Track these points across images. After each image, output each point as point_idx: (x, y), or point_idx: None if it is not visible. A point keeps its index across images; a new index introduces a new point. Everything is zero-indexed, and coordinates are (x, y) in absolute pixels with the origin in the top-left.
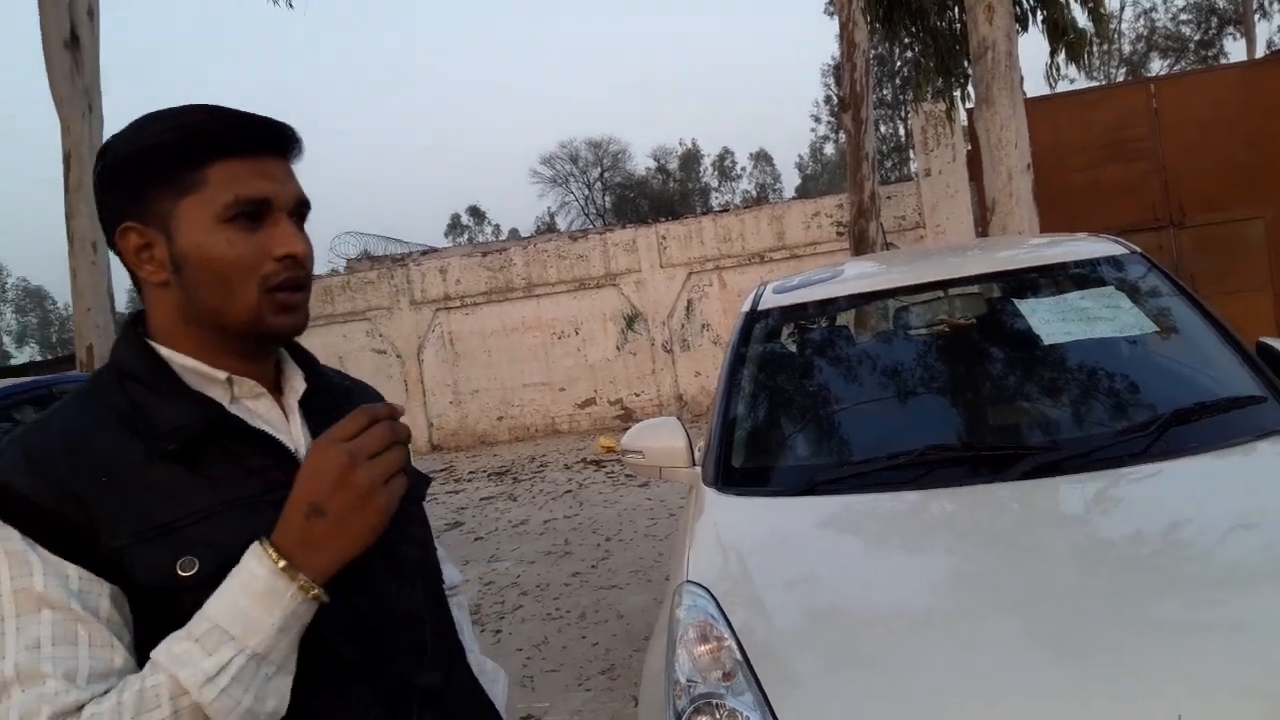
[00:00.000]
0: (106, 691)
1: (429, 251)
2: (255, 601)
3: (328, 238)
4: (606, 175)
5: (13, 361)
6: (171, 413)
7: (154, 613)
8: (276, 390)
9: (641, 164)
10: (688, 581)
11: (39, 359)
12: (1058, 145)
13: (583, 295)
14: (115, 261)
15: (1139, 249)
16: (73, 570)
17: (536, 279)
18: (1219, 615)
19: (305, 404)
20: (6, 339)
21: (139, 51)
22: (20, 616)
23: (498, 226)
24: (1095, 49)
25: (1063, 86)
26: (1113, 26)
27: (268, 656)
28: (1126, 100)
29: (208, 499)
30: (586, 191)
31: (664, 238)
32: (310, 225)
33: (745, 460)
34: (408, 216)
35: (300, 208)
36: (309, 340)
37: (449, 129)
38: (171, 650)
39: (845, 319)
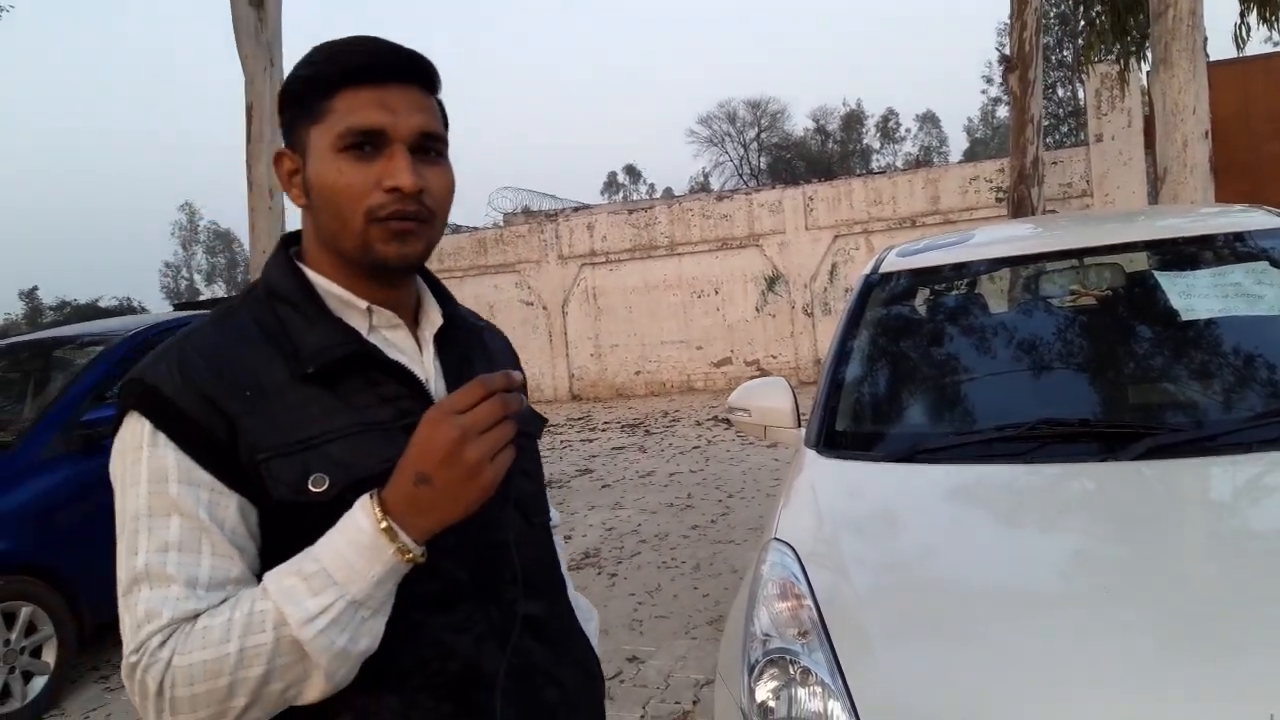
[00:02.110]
0: (223, 601)
1: (580, 208)
2: (358, 553)
3: (488, 192)
4: (763, 136)
5: (201, 297)
6: (315, 337)
7: (283, 526)
8: (414, 322)
9: (800, 124)
10: (775, 539)
11: (225, 296)
12: (1247, 112)
13: (724, 255)
14: (289, 207)
15: None
16: (205, 479)
17: (680, 238)
18: None
19: (439, 338)
20: (198, 277)
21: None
22: (153, 517)
23: (652, 185)
24: None
25: (1265, 49)
26: None
27: (365, 603)
28: None
29: (343, 421)
30: (742, 152)
31: (811, 199)
32: (472, 181)
33: (848, 424)
34: (568, 174)
35: (426, 140)
36: (462, 289)
37: (611, 88)
38: (281, 583)
39: (969, 286)
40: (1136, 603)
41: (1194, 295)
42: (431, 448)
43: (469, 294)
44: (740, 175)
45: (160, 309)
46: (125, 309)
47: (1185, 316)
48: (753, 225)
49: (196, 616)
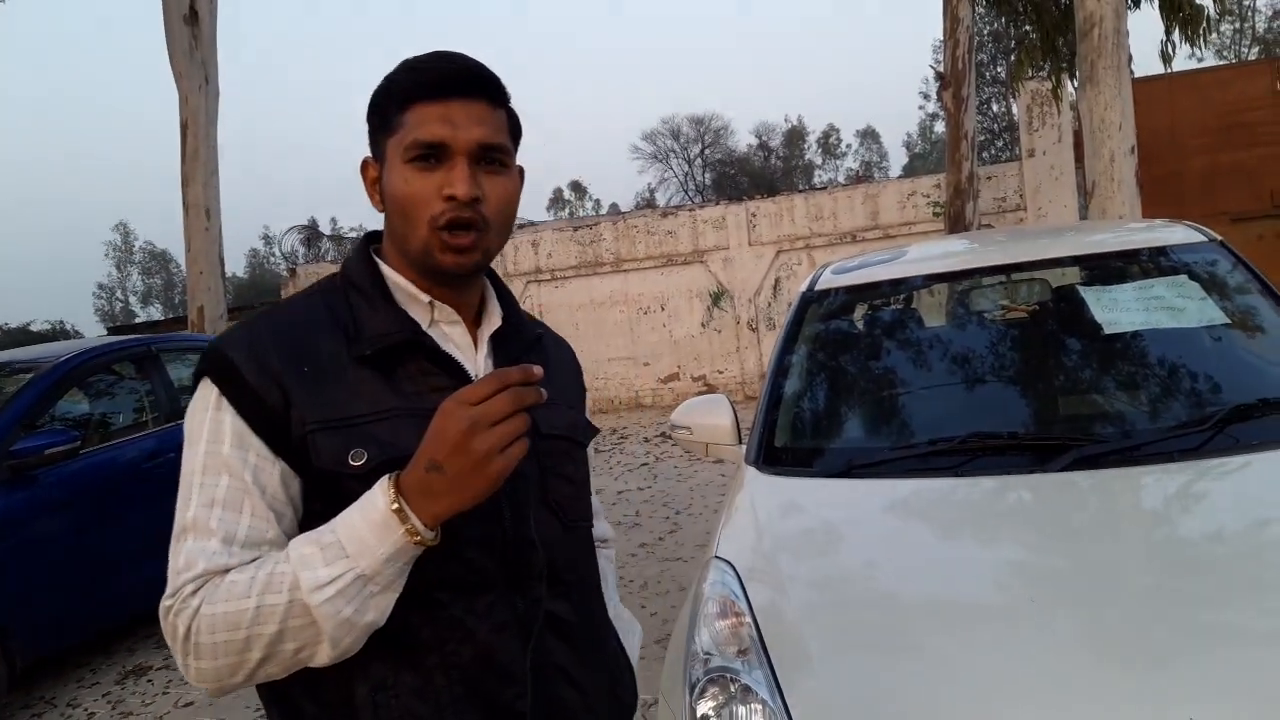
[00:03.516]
0: (254, 559)
1: (525, 225)
2: (371, 530)
3: None
4: (707, 152)
5: (137, 320)
6: (376, 323)
7: (323, 496)
8: (475, 322)
9: (744, 141)
10: (715, 557)
11: (160, 318)
12: (1172, 127)
13: (670, 271)
14: (227, 228)
15: (1220, 237)
16: (255, 444)
17: (625, 254)
18: (1255, 623)
19: (496, 339)
20: (133, 299)
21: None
22: (206, 474)
23: (598, 201)
24: (1215, 27)
25: (1190, 65)
26: (1246, 2)
27: (373, 578)
28: (1250, 81)
29: (390, 403)
30: (686, 168)
31: (754, 215)
32: None
33: (787, 440)
34: None
35: (487, 151)
36: None
37: (555, 104)
38: (301, 550)
39: (903, 301)
40: (1069, 614)
41: (1117, 309)
42: (443, 437)
43: None
44: (685, 191)
45: (95, 332)
46: (58, 333)
47: (1109, 330)
48: (697, 241)
49: (228, 571)
